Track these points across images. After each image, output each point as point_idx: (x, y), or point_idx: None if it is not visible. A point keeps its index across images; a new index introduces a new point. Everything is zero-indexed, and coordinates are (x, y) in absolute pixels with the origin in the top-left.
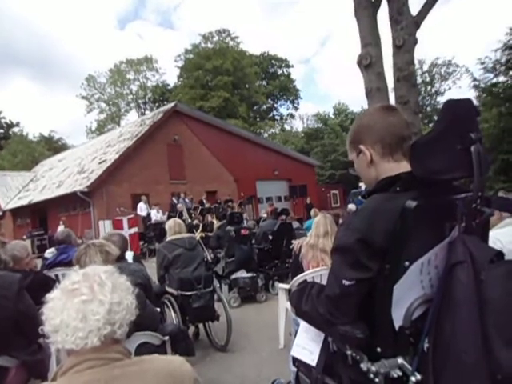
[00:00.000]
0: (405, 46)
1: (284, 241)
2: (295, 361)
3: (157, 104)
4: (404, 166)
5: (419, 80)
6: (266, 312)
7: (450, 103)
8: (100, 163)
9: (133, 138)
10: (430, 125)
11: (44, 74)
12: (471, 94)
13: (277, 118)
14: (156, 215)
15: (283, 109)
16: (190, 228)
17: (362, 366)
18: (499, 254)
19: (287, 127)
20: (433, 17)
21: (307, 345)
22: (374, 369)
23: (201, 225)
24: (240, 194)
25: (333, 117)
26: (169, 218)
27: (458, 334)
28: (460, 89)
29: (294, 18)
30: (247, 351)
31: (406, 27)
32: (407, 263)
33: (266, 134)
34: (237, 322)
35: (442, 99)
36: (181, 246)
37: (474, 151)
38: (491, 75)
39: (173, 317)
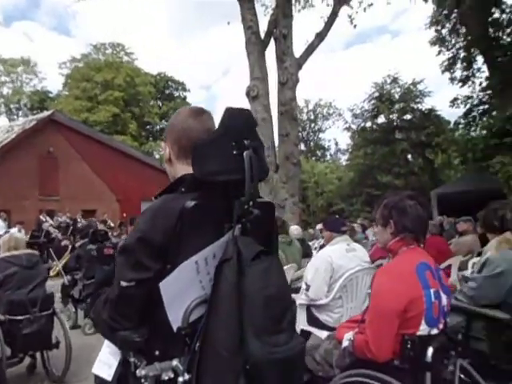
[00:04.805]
0: (288, 83)
1: None
2: (96, 378)
3: (34, 112)
4: None
5: (305, 117)
6: None
7: (229, 111)
8: None
9: None
10: (313, 158)
11: None
12: (346, 135)
13: None
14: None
15: None
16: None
17: (137, 372)
18: (265, 252)
19: None
20: (320, 63)
21: (108, 359)
22: (143, 372)
23: (70, 246)
24: (122, 215)
25: None
26: (31, 237)
27: (219, 330)
28: (338, 128)
29: (200, 45)
30: (89, 382)
31: (290, 67)
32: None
33: (157, 155)
34: (86, 350)
35: (323, 136)
36: (16, 265)
37: (246, 157)
38: (360, 120)
39: None
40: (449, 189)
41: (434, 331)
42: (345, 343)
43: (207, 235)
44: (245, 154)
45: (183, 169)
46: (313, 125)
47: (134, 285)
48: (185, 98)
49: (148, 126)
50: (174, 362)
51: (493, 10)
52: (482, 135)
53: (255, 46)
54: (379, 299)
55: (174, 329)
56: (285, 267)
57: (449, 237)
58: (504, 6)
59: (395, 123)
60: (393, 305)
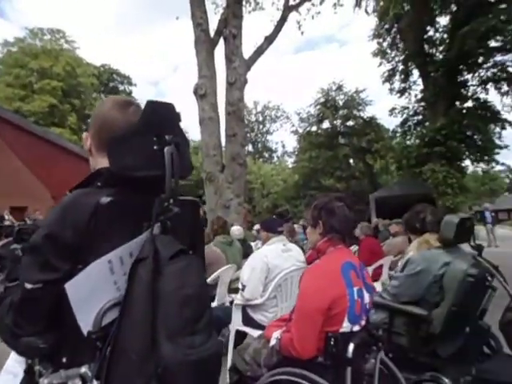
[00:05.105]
0: (236, 83)
1: None
2: None
3: None
4: None
5: (253, 118)
6: None
7: (151, 104)
8: None
9: None
10: (261, 160)
11: None
12: (293, 138)
13: None
14: None
15: None
16: None
17: (40, 381)
18: (184, 251)
19: None
20: (270, 66)
21: (14, 368)
22: (45, 382)
23: None
24: None
25: None
26: None
27: (130, 333)
28: (285, 131)
29: (149, 39)
30: None
31: (239, 67)
32: None
33: None
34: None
35: (271, 138)
36: None
37: (166, 152)
38: (306, 124)
39: None
40: (385, 193)
41: (356, 328)
42: (272, 342)
43: (124, 234)
44: (166, 149)
45: (103, 162)
46: (261, 126)
47: (40, 287)
48: (130, 92)
49: (89, 120)
50: (83, 369)
51: (428, 28)
52: (416, 144)
53: (204, 43)
54: (305, 298)
55: (84, 333)
56: (224, 267)
57: (383, 238)
58: (438, 26)
59: (339, 129)
60: (317, 303)
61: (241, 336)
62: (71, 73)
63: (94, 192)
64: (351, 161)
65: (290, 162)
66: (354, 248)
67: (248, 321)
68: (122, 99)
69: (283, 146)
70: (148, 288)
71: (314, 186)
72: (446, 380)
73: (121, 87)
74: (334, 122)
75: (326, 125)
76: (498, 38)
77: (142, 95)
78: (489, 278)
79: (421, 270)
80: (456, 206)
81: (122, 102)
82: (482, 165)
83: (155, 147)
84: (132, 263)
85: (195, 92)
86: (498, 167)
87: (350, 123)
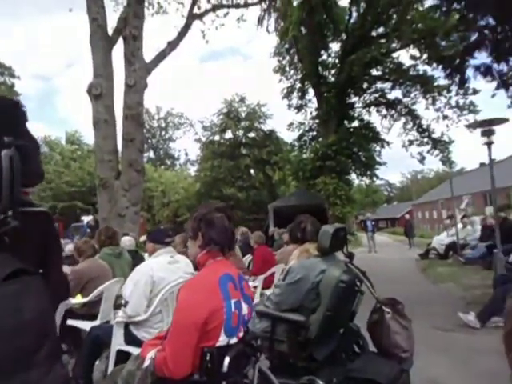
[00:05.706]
0: (136, 86)
1: None
2: None
3: None
4: None
5: (155, 124)
6: None
7: None
8: None
9: None
10: (163, 167)
11: None
12: (196, 146)
13: None
14: None
15: None
16: None
17: None
18: (25, 270)
19: None
20: (175, 72)
21: None
22: None
23: None
24: None
25: (64, 143)
26: None
27: None
28: (189, 139)
29: (40, 30)
30: None
31: (139, 70)
32: None
33: None
34: None
35: (174, 145)
36: None
37: (4, 156)
38: (210, 133)
39: None
40: (283, 203)
41: (233, 340)
42: (146, 363)
43: None
44: (3, 153)
45: None
46: (163, 133)
47: None
48: (12, 85)
49: None
50: None
51: (322, 52)
52: (311, 157)
53: (101, 41)
54: (181, 313)
55: None
56: (109, 282)
57: (278, 246)
58: (330, 51)
59: (241, 139)
60: (193, 318)
61: (124, 357)
62: None
63: None
64: (252, 171)
65: (193, 170)
66: (249, 257)
67: (131, 339)
68: None
69: (186, 154)
70: None
71: (215, 195)
72: (321, 382)
73: (1, 79)
74: (237, 132)
75: (228, 135)
76: (379, 67)
77: (27, 90)
78: (358, 283)
79: (300, 278)
80: (344, 215)
81: None
82: (366, 179)
83: None
84: None
85: (89, 91)
86: (379, 181)
87: (252, 135)
